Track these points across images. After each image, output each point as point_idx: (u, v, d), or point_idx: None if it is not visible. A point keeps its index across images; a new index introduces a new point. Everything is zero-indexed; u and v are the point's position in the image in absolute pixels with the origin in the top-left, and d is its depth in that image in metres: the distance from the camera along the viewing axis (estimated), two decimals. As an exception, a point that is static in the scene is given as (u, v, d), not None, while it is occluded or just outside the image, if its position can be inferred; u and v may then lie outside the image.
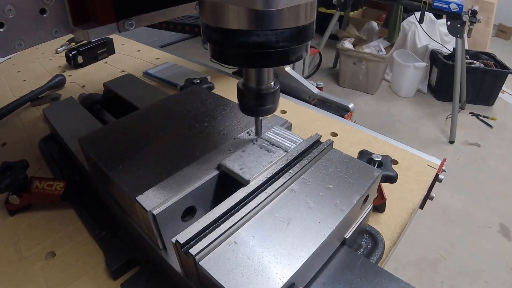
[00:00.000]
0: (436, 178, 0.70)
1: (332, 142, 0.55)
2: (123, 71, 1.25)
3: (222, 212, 0.42)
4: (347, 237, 0.49)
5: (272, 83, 0.50)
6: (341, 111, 0.99)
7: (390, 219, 0.62)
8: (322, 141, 0.56)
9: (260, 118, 0.55)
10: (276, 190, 0.46)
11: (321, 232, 0.42)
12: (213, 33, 0.42)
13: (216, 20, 0.41)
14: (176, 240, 0.39)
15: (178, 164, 0.51)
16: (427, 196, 0.70)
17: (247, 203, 0.44)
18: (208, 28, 0.42)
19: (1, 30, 0.41)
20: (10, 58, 1.42)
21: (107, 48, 1.36)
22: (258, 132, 0.57)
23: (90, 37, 0.46)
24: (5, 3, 0.40)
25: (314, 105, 1.02)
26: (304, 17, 0.40)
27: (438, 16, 3.13)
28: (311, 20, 0.41)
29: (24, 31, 0.43)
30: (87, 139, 0.60)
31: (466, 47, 2.97)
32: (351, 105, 0.99)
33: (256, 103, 0.51)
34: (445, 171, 0.72)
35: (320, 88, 1.10)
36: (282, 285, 0.36)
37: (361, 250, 0.55)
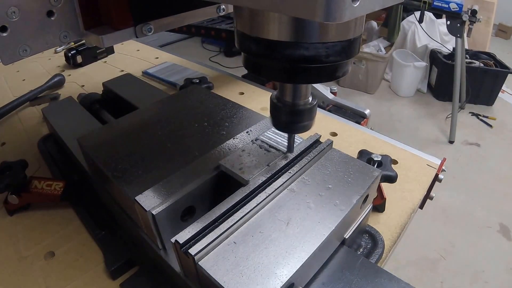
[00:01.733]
0: (436, 178, 0.70)
1: (332, 142, 0.55)
2: (122, 70, 1.24)
3: (221, 212, 0.42)
4: (346, 237, 0.49)
5: (309, 98, 0.45)
6: (357, 117, 0.94)
7: (390, 219, 0.62)
8: (321, 141, 0.56)
9: (294, 134, 0.51)
10: (276, 190, 0.46)
11: (320, 232, 0.42)
12: (252, 43, 0.37)
13: (257, 29, 0.35)
14: (176, 240, 0.39)
15: (178, 164, 0.51)
16: (427, 196, 0.70)
17: (247, 203, 0.44)
18: (245, 38, 0.37)
19: (4, 34, 0.37)
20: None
21: (106, 47, 1.35)
22: (290, 149, 0.52)
23: (104, 43, 0.42)
24: (9, 4, 0.36)
25: (329, 111, 0.96)
26: (354, 29, 0.36)
27: (438, 16, 3.13)
28: (360, 33, 0.37)
29: (29, 35, 0.39)
30: (86, 139, 0.60)
31: (466, 46, 2.97)
32: (367, 111, 0.94)
33: (291, 119, 0.46)
34: (445, 171, 0.72)
35: (334, 93, 1.05)
36: (281, 285, 0.36)
37: (361, 250, 0.55)
